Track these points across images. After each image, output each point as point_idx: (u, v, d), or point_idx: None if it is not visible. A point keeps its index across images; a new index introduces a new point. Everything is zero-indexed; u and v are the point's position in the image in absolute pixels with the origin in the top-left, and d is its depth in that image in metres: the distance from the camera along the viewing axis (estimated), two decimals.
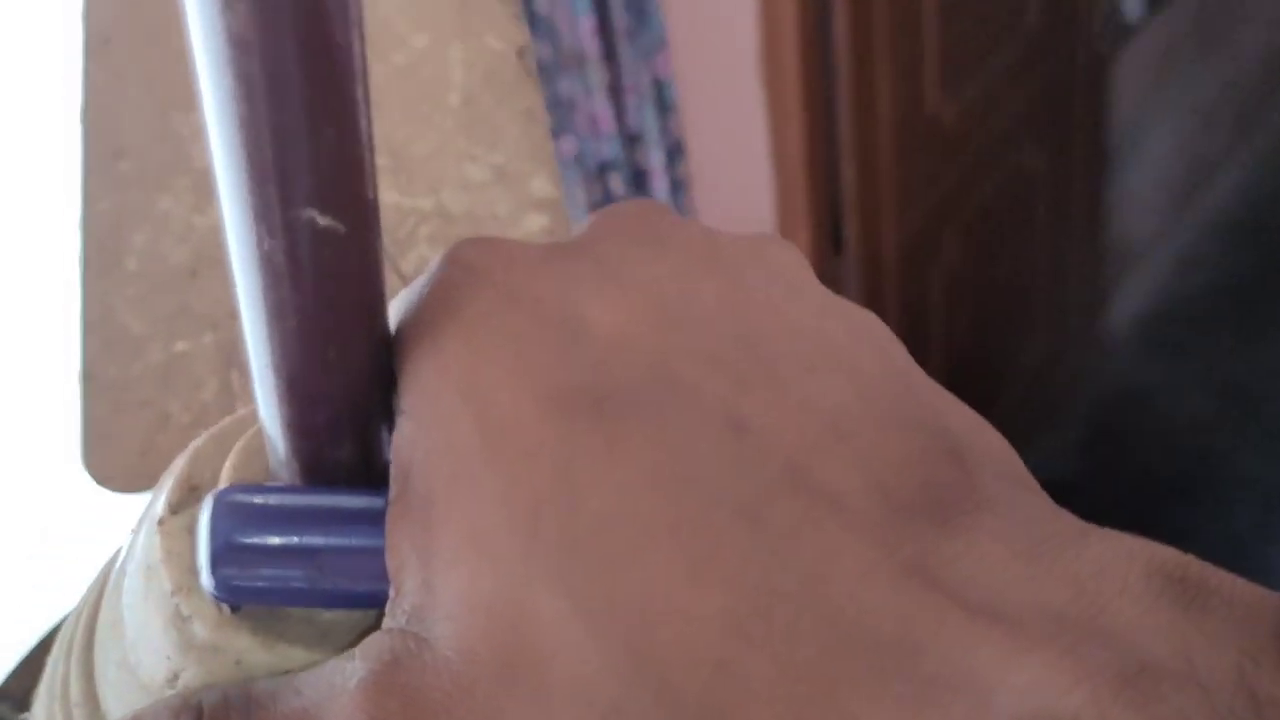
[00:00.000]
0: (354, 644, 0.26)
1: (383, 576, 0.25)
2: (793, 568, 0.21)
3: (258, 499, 0.26)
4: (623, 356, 0.23)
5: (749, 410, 0.22)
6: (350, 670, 0.24)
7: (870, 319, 0.26)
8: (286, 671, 0.27)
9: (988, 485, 0.22)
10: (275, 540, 0.26)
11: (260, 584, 0.26)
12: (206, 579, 0.26)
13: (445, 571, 0.23)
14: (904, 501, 0.22)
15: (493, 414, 0.23)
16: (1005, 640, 0.20)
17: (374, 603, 0.25)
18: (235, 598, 0.26)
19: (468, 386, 0.23)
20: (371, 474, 0.26)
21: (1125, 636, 0.20)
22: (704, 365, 0.23)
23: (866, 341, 0.25)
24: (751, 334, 0.24)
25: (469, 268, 0.25)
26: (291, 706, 0.24)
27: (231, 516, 0.26)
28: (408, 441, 0.24)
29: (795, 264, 0.27)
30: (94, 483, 0.42)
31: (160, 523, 0.29)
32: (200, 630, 0.27)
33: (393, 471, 0.24)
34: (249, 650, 0.27)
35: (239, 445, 0.29)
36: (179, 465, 0.30)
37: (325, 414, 0.25)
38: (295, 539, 0.26)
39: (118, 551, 0.31)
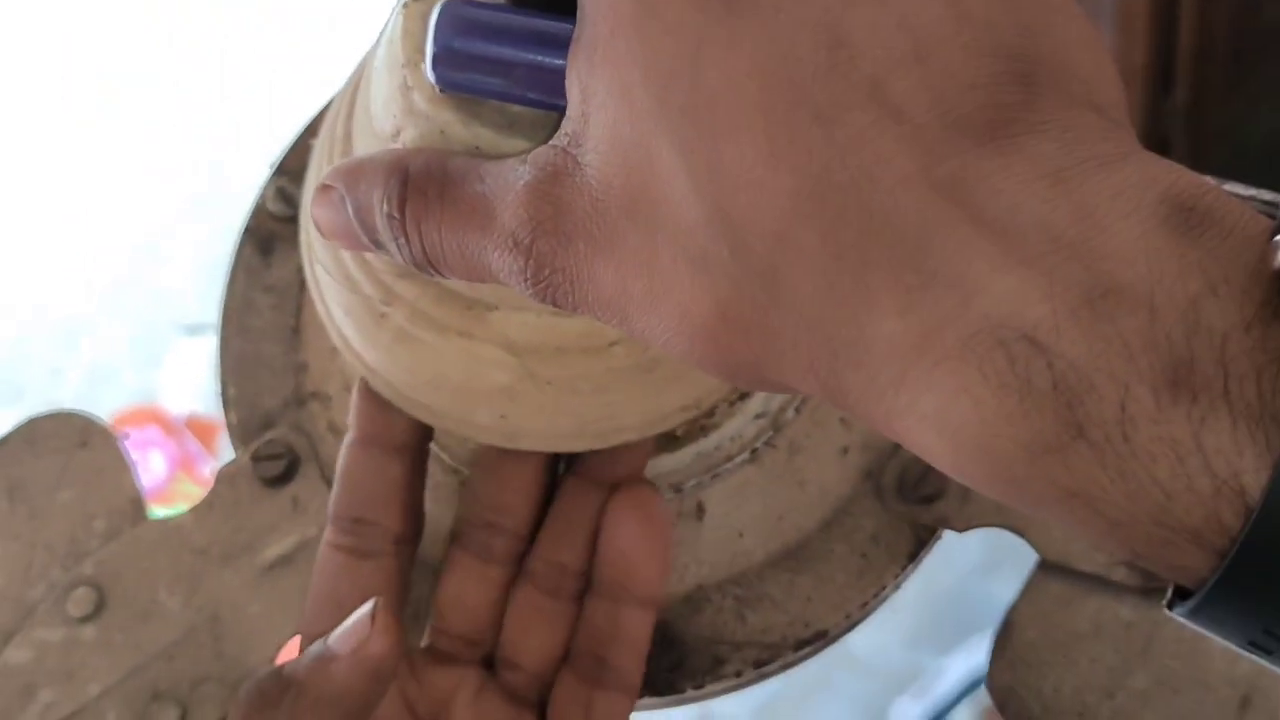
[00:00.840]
0: (532, 137, 0.31)
1: (560, 93, 0.29)
2: (849, 166, 0.25)
3: (474, 14, 0.31)
4: None
5: (850, 26, 0.25)
6: (522, 172, 0.29)
7: None
8: (477, 148, 0.32)
9: (1048, 109, 0.25)
10: (482, 50, 0.31)
11: (466, 81, 0.32)
12: (428, 70, 0.32)
13: (597, 111, 0.27)
14: (960, 120, 0.24)
15: None
16: (1000, 254, 0.23)
17: (553, 109, 0.30)
18: (447, 88, 0.32)
19: None
20: None
21: (1109, 259, 0.23)
22: None
23: None
24: None
25: None
26: (475, 190, 0.30)
27: (452, 25, 0.31)
28: None
29: None
30: None
31: (405, 5, 0.34)
32: (418, 100, 0.33)
33: (578, 10, 0.28)
34: (451, 124, 0.33)
35: None
36: None
37: None
38: (498, 51, 0.31)
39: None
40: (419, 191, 0.30)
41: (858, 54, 0.25)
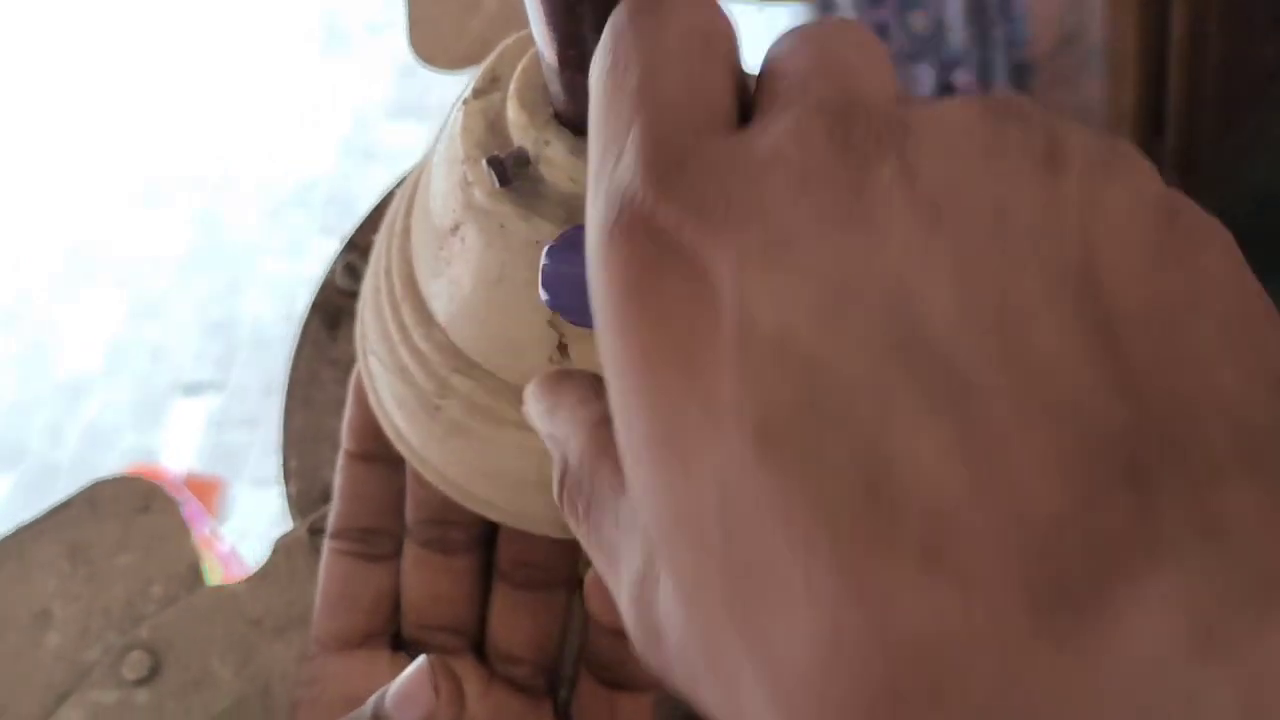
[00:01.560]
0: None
1: None
2: (908, 685, 0.19)
3: (570, 270, 0.31)
4: (779, 370, 0.21)
5: (892, 456, 0.19)
6: (633, 557, 0.25)
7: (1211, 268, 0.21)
8: (536, 243, 0.32)
9: (1170, 518, 0.18)
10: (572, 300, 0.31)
11: (562, 306, 0.31)
12: (542, 294, 0.31)
13: (657, 552, 0.24)
14: (1043, 591, 0.19)
15: (662, 416, 0.22)
16: None
17: None
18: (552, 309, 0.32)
19: (646, 387, 0.22)
20: None
21: None
22: (856, 398, 0.20)
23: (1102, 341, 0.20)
24: (928, 342, 0.20)
25: (664, 244, 0.22)
26: (610, 533, 0.27)
27: (556, 282, 0.31)
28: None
29: (1057, 178, 0.21)
30: (419, 61, 0.48)
31: (465, 102, 0.34)
32: (478, 195, 0.33)
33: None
34: (510, 218, 0.33)
35: (529, 54, 0.34)
36: (490, 59, 0.35)
37: (578, 50, 0.30)
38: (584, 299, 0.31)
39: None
40: (570, 501, 0.29)
41: (901, 503, 0.19)
